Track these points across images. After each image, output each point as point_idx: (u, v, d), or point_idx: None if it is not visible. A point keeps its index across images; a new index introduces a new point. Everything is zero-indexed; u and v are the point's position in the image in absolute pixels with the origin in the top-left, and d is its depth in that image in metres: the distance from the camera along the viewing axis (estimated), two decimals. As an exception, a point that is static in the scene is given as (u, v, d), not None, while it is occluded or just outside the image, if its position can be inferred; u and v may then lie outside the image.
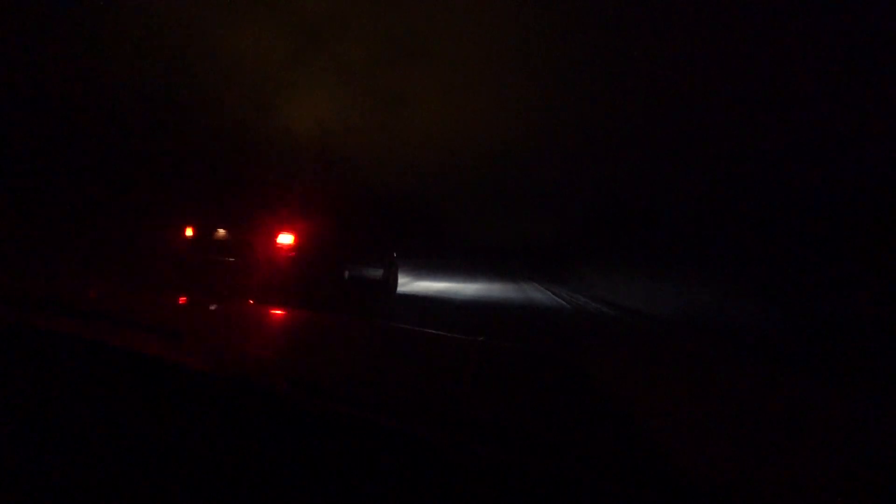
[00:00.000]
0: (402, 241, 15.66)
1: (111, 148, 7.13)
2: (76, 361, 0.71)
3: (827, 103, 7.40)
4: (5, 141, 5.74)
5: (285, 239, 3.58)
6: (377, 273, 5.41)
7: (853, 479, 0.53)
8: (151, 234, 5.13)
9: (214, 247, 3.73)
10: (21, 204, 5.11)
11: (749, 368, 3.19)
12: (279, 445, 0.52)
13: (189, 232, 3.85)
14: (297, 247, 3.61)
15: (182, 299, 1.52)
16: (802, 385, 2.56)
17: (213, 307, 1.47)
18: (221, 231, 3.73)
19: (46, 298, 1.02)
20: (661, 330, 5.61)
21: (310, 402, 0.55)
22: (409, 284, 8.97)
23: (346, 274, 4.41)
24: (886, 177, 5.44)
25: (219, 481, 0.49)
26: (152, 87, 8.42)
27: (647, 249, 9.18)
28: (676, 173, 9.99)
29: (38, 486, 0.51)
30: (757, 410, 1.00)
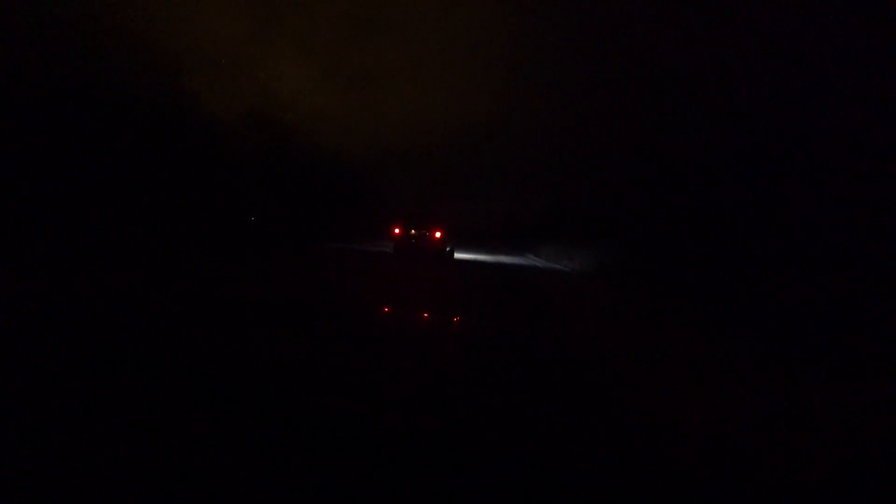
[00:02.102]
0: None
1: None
2: None
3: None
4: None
5: (437, 234, 10.50)
6: (448, 247, 12.39)
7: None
8: (383, 229, 12.09)
9: (409, 236, 10.55)
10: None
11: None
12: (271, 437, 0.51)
13: (397, 230, 10.64)
14: (440, 237, 10.53)
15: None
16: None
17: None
18: (412, 230, 10.56)
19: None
20: (570, 274, 12.99)
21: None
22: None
23: (446, 249, 11.39)
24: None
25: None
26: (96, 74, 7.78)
27: (574, 231, 16.61)
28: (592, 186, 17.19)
29: None
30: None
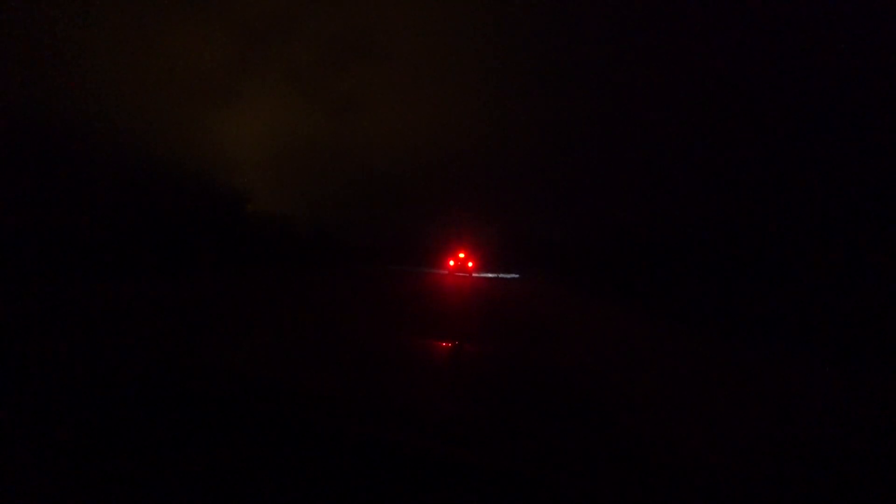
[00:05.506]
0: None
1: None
2: None
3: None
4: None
5: (471, 264, 22.26)
6: (472, 267, 23.90)
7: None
8: (443, 261, 23.56)
9: (458, 264, 22.16)
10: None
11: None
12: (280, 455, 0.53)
13: (451, 262, 22.15)
14: (474, 265, 22.29)
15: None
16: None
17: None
18: (459, 263, 22.11)
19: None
20: (526, 279, 24.65)
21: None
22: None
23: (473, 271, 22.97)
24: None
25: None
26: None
27: (530, 257, 28.35)
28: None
29: None
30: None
